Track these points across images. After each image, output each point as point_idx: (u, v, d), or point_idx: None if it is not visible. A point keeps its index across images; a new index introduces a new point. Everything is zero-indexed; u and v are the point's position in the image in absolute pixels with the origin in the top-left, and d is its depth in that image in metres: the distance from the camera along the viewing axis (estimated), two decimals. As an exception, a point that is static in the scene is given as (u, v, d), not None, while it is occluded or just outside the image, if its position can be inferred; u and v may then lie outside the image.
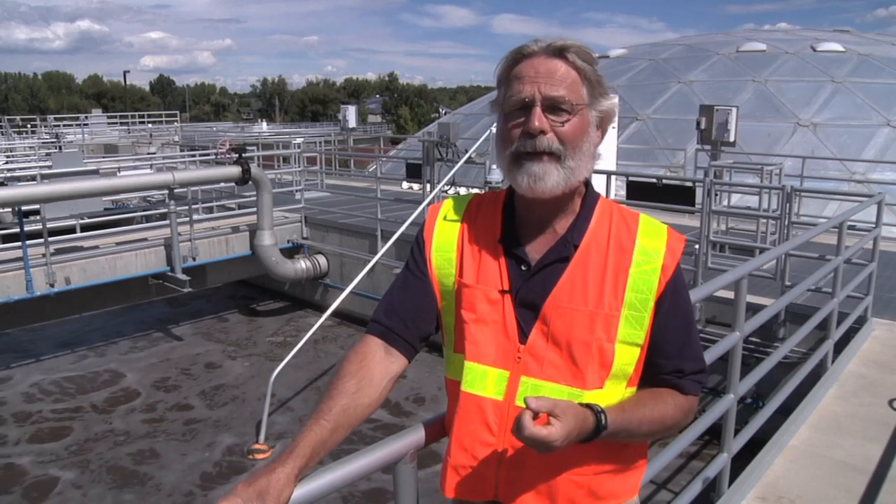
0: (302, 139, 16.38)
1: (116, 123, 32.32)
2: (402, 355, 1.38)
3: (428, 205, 8.96)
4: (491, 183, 9.18)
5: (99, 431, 7.47)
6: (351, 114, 21.26)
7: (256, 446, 7.05)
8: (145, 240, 9.73)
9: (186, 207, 10.10)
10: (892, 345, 5.31)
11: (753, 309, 3.75)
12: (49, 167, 10.57)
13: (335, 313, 8.60)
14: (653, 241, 1.31)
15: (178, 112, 37.35)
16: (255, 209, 10.47)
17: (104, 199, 10.56)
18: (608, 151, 8.72)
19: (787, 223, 7.03)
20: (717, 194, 8.16)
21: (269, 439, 7.18)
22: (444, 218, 1.42)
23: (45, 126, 28.93)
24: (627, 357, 1.29)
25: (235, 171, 9.68)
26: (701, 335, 1.63)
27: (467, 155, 9.94)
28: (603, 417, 1.19)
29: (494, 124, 1.39)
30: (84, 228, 10.27)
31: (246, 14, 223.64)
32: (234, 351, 9.87)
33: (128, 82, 53.45)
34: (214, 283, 11.28)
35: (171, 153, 17.99)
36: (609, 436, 1.21)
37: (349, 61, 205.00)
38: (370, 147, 27.36)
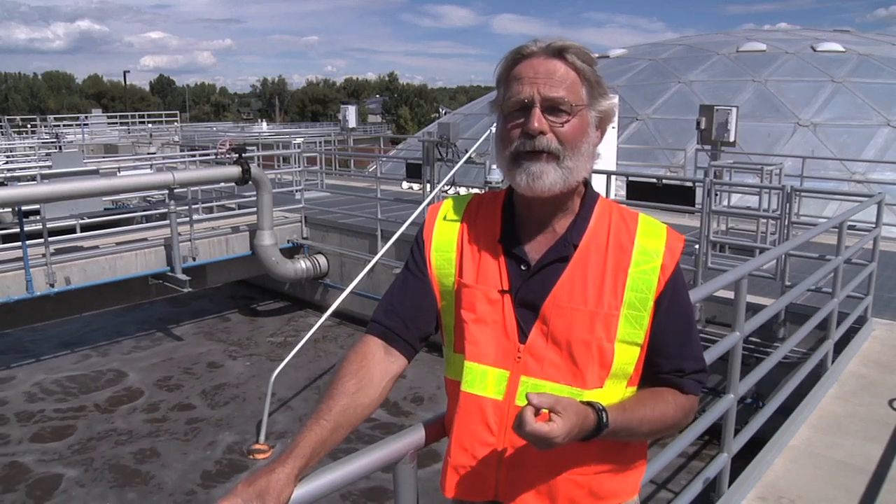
0: (302, 139, 16.38)
1: (116, 123, 32.32)
2: (402, 355, 1.38)
3: (428, 205, 8.95)
4: (491, 183, 9.18)
5: (102, 430, 7.49)
6: (351, 114, 21.26)
7: (257, 446, 7.05)
8: (145, 240, 9.73)
9: (186, 207, 10.10)
10: (892, 345, 5.31)
11: (753, 309, 3.75)
12: (49, 167, 10.57)
13: (335, 313, 8.60)
14: (652, 240, 1.31)
15: (178, 112, 37.35)
16: (255, 209, 10.48)
17: (104, 199, 10.56)
18: (608, 151, 8.72)
19: (787, 223, 7.03)
20: (717, 194, 8.16)
21: (270, 439, 7.19)
22: (444, 218, 1.42)
23: (45, 126, 28.94)
24: (627, 357, 1.30)
25: (235, 171, 9.68)
26: (701, 335, 1.63)
27: (467, 155, 9.95)
28: (604, 415, 1.20)
29: (494, 124, 1.39)
30: (84, 228, 10.27)
31: (246, 14, 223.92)
32: (235, 351, 9.88)
33: (128, 82, 53.47)
34: (214, 283, 11.28)
35: (171, 153, 17.99)
36: (610, 434, 1.21)
37: (349, 61, 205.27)
38: (370, 147, 27.37)
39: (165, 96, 78.13)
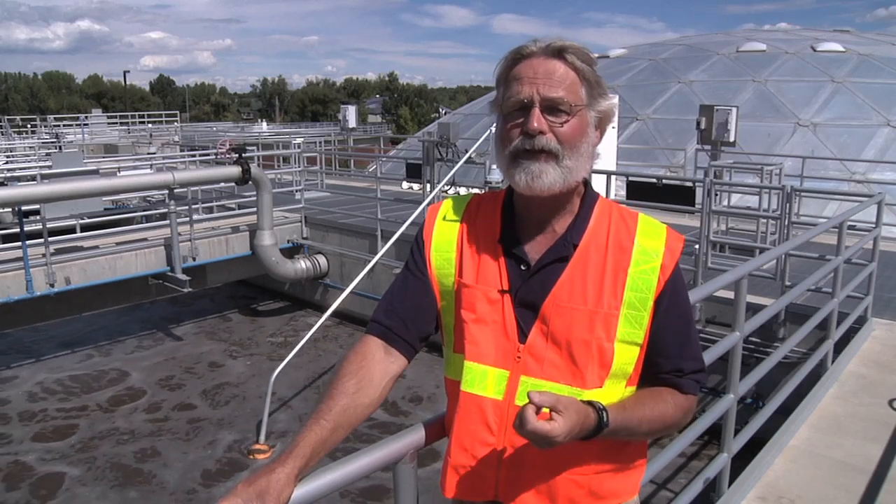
0: (302, 139, 16.38)
1: (116, 123, 32.31)
2: (402, 355, 1.38)
3: (428, 205, 8.96)
4: (491, 183, 9.18)
5: (104, 429, 7.52)
6: (351, 114, 21.26)
7: (257, 446, 7.06)
8: (145, 240, 9.74)
9: (186, 207, 10.10)
10: (892, 345, 5.31)
11: (753, 309, 3.75)
12: (49, 167, 10.57)
13: (335, 313, 8.60)
14: (652, 240, 1.31)
15: (178, 112, 37.34)
16: (255, 209, 10.48)
17: (104, 199, 10.56)
18: (608, 151, 8.72)
19: (787, 223, 7.03)
20: (717, 194, 8.16)
21: (270, 439, 7.20)
22: (444, 218, 1.42)
23: (45, 126, 28.93)
24: (627, 356, 1.30)
25: (235, 171, 9.68)
26: (701, 335, 1.64)
27: (467, 155, 9.95)
28: (605, 415, 1.20)
29: (494, 124, 1.39)
30: (84, 228, 10.28)
31: (246, 14, 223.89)
32: (235, 350, 9.90)
33: (128, 82, 53.46)
34: (214, 283, 11.29)
35: (171, 153, 17.99)
36: (610, 433, 1.21)
37: (349, 61, 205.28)
38: (370, 147, 27.36)
39: (165, 96, 78.13)
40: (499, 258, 1.34)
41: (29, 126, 30.03)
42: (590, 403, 1.20)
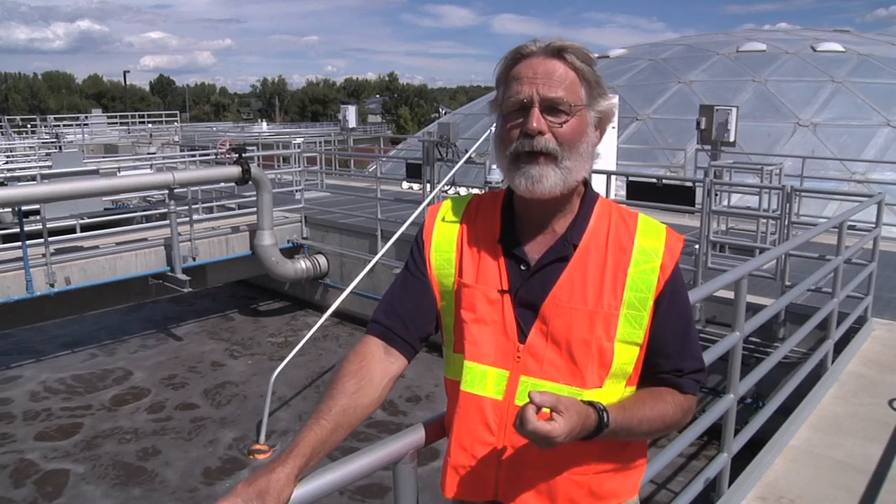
0: (302, 139, 16.38)
1: (116, 123, 32.31)
2: (402, 355, 1.38)
3: (428, 205, 8.96)
4: (491, 183, 9.18)
5: (108, 428, 7.57)
6: (351, 114, 21.26)
7: (257, 446, 7.07)
8: (145, 240, 9.74)
9: (186, 207, 10.10)
10: (892, 345, 5.31)
11: (753, 309, 3.75)
12: (49, 167, 10.57)
13: (335, 313, 8.60)
14: (652, 240, 1.31)
15: (178, 112, 37.34)
16: (255, 209, 10.48)
17: (104, 199, 10.56)
18: (608, 151, 8.72)
19: (787, 223, 7.03)
20: (717, 194, 8.16)
21: (271, 438, 7.22)
22: (443, 218, 1.42)
23: (45, 126, 28.93)
24: (627, 356, 1.30)
25: (235, 171, 9.68)
26: (701, 335, 1.64)
27: (467, 155, 9.95)
28: (605, 415, 1.20)
29: (494, 124, 1.39)
30: (84, 228, 10.28)
31: (246, 14, 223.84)
32: (237, 350, 9.92)
33: (128, 82, 53.42)
34: (214, 283, 11.29)
35: (171, 153, 17.99)
36: (610, 434, 1.21)
37: (349, 61, 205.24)
38: (370, 147, 27.37)
39: (165, 96, 78.15)
40: (499, 258, 1.34)
41: (29, 126, 30.04)
42: (590, 404, 1.20)
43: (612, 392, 1.30)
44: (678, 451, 2.79)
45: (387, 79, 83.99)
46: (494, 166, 9.05)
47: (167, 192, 9.42)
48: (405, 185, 14.25)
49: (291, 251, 11.24)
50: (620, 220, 1.34)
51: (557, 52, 1.26)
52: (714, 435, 4.40)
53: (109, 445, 7.19)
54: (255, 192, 10.36)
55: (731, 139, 10.05)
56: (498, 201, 1.40)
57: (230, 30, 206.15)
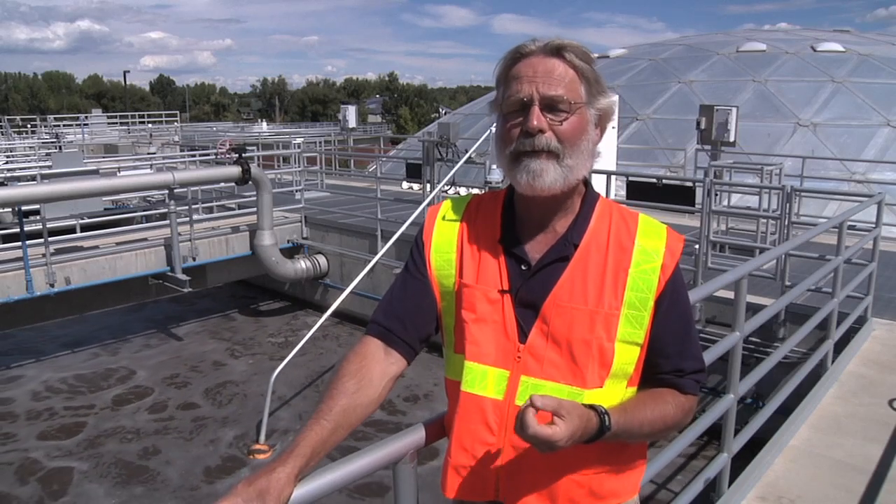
0: (302, 139, 16.37)
1: (116, 123, 32.31)
2: (402, 356, 1.38)
3: (428, 205, 8.96)
4: (491, 183, 9.18)
5: (110, 427, 7.59)
6: (351, 114, 21.25)
7: (257, 446, 7.08)
8: (145, 240, 9.74)
9: (186, 207, 10.10)
10: (892, 345, 5.31)
11: (753, 309, 3.75)
12: (49, 167, 10.57)
13: (335, 313, 8.61)
14: (652, 240, 1.31)
15: (178, 112, 37.33)
16: (255, 209, 10.48)
17: (104, 199, 10.56)
18: (608, 151, 8.71)
19: (787, 223, 7.03)
20: (717, 194, 8.16)
21: (271, 438, 7.23)
22: (444, 218, 1.42)
23: (45, 126, 28.93)
24: (627, 356, 1.30)
25: (235, 171, 9.68)
26: (701, 335, 1.64)
27: (467, 155, 9.94)
28: (607, 419, 1.20)
29: (494, 124, 1.39)
30: (84, 228, 10.28)
31: (246, 14, 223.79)
32: (238, 350, 9.94)
33: (128, 82, 53.42)
34: (214, 283, 11.30)
35: (171, 153, 17.99)
36: (612, 436, 1.21)
37: (349, 61, 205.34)
38: (370, 147, 27.36)
39: (165, 96, 78.14)
40: (499, 258, 1.34)
41: (29, 126, 30.03)
42: (592, 407, 1.20)
43: (613, 392, 1.30)
44: (678, 450, 2.79)
45: (387, 79, 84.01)
46: (494, 166, 9.05)
47: (167, 192, 9.42)
48: (405, 185, 14.25)
49: (291, 251, 11.24)
50: (621, 220, 1.34)
51: (557, 51, 1.26)
52: (714, 435, 4.40)
53: (112, 444, 7.22)
54: (255, 192, 10.36)
55: (731, 139, 10.05)
56: (498, 201, 1.40)
57: (230, 30, 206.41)
